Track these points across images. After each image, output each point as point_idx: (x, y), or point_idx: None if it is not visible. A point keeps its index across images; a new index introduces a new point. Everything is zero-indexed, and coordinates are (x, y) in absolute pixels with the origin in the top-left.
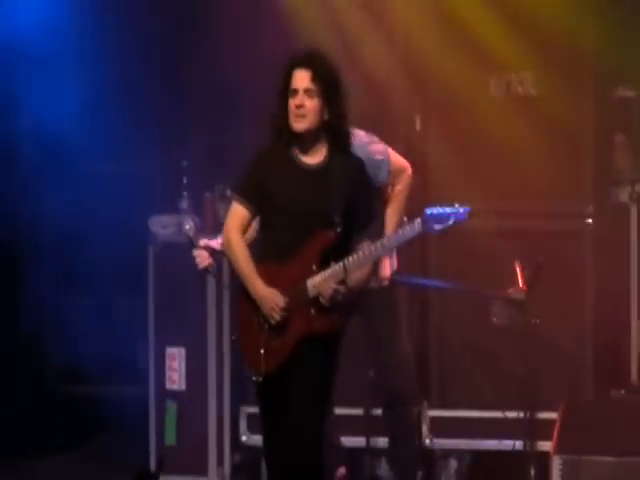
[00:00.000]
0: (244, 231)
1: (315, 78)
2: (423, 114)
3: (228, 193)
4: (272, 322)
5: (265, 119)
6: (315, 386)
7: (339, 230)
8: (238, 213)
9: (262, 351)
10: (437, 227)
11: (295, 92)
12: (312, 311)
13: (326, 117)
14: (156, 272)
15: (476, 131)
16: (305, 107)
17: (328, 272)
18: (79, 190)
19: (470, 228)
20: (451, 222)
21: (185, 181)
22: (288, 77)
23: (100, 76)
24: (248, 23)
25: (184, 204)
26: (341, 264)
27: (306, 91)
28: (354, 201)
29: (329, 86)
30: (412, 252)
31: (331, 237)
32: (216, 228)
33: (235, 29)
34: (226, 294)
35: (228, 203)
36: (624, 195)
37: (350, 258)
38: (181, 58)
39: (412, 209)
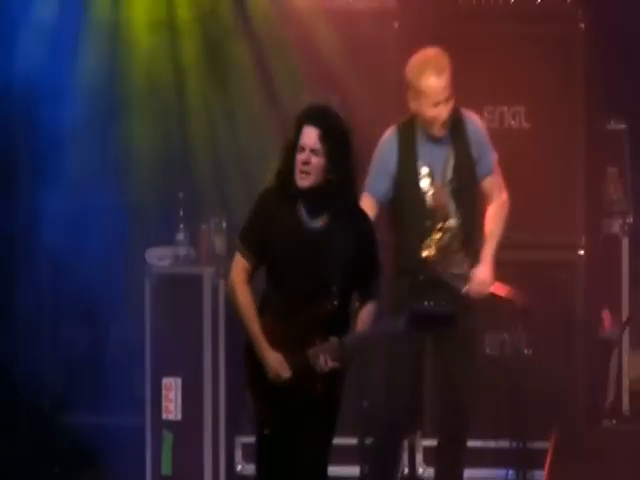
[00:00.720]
0: (249, 282)
1: (323, 137)
2: None
3: (224, 226)
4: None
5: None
6: (322, 443)
7: (336, 303)
8: (242, 265)
9: (272, 409)
10: (423, 325)
11: (302, 149)
12: (318, 383)
13: (330, 177)
14: (152, 303)
15: None
16: (311, 164)
17: (326, 346)
18: (76, 221)
19: None
20: (436, 323)
21: (181, 213)
22: (297, 132)
23: (96, 105)
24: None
25: (180, 236)
26: (338, 341)
27: (312, 150)
28: (359, 257)
29: (336, 146)
30: None
31: (328, 310)
32: (211, 260)
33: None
34: (222, 325)
35: (223, 235)
36: (616, 227)
37: (347, 337)
38: (178, 84)
39: None
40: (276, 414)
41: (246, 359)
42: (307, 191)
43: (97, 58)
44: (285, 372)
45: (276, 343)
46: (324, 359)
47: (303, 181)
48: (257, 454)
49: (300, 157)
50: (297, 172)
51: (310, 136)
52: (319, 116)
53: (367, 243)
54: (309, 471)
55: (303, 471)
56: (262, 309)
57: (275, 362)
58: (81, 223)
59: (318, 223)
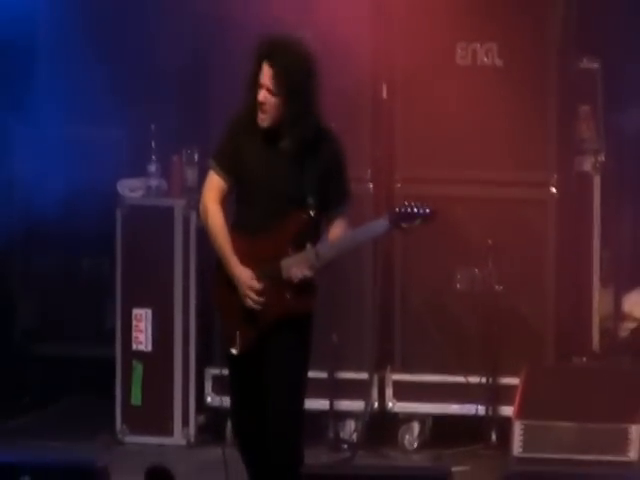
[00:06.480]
0: (222, 203)
1: (276, 76)
2: (389, 82)
3: (196, 158)
4: (247, 304)
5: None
6: (292, 363)
7: (312, 213)
8: (216, 185)
9: (239, 327)
10: (404, 225)
11: (261, 86)
12: (287, 294)
13: (288, 112)
14: (124, 234)
15: (442, 100)
16: (266, 104)
17: (301, 255)
18: (47, 153)
19: (435, 195)
20: (418, 222)
21: (153, 144)
22: (257, 66)
23: (68, 40)
24: None
25: (152, 167)
26: (314, 250)
27: (268, 89)
28: (327, 179)
29: (291, 84)
30: None
31: (305, 220)
32: (183, 192)
33: None
34: (193, 257)
35: (195, 167)
36: (587, 165)
37: (322, 246)
38: (148, 20)
39: (380, 184)
40: (245, 332)
41: (216, 277)
42: (268, 128)
43: None
44: (255, 284)
45: (249, 259)
46: (298, 268)
47: (262, 122)
48: (229, 378)
49: (258, 95)
50: (258, 110)
51: (266, 74)
52: (274, 53)
53: (335, 166)
54: (279, 391)
55: (274, 391)
56: (234, 228)
57: (245, 275)
58: (53, 153)
59: (285, 147)
